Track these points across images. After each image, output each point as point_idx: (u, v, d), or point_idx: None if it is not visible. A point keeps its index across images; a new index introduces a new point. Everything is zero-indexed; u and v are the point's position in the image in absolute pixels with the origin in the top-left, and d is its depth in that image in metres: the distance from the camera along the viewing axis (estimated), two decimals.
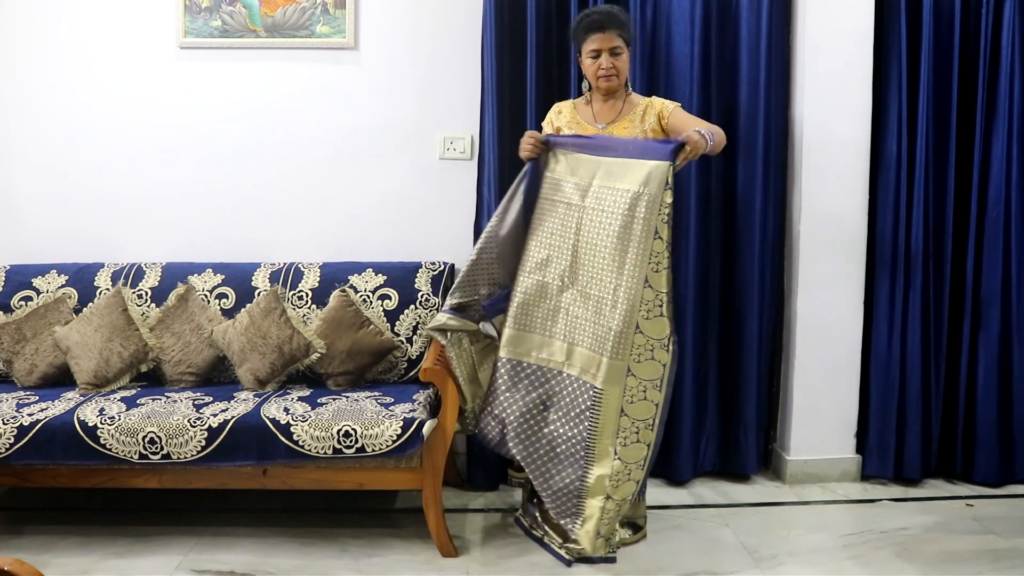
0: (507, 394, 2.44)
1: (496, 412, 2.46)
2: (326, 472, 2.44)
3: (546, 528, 2.52)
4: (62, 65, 3.04)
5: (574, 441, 2.35)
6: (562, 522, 2.41)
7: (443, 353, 2.50)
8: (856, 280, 2.98)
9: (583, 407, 2.33)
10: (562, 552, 2.43)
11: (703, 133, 2.28)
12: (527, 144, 2.42)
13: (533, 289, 2.42)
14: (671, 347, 2.29)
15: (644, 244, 2.24)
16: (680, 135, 2.28)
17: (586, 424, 2.32)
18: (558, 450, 2.39)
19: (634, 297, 2.25)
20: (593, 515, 2.34)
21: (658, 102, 2.54)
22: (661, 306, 2.26)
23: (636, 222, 2.24)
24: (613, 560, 2.42)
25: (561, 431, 2.38)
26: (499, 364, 2.46)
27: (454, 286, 2.50)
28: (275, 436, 2.36)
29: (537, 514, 2.57)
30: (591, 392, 2.31)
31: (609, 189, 2.31)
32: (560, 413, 2.39)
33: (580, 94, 2.61)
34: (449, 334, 2.47)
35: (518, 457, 2.45)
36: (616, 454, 2.31)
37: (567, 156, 2.40)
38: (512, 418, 2.42)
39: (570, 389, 2.37)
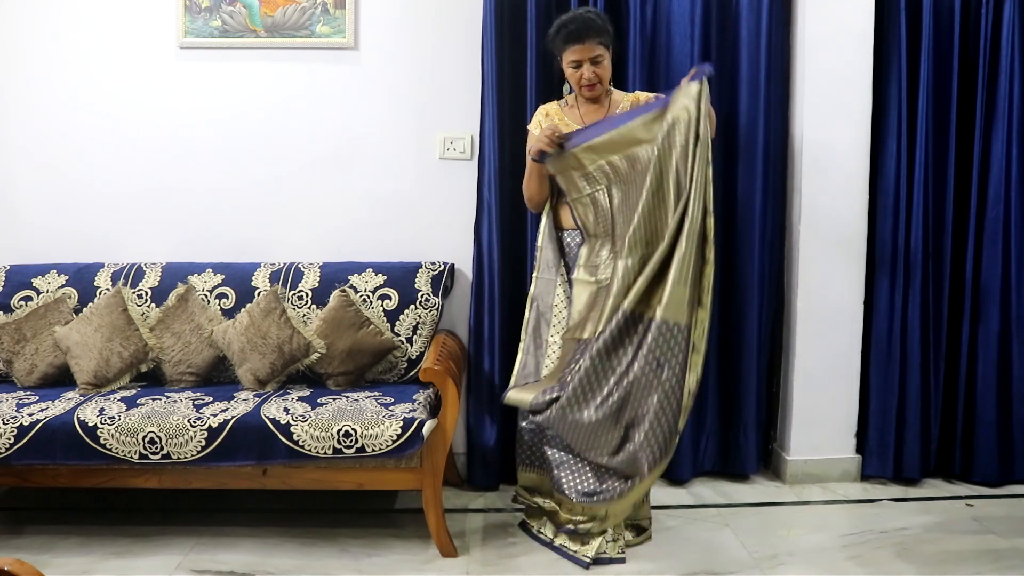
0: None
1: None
2: (326, 472, 2.44)
3: (563, 535, 2.50)
4: (62, 65, 3.04)
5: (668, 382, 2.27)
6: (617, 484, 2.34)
7: (445, 346, 2.48)
8: (856, 279, 2.98)
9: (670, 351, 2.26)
10: (580, 556, 2.42)
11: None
12: (546, 137, 2.41)
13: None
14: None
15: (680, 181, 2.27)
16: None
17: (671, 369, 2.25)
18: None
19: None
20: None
21: (644, 96, 2.57)
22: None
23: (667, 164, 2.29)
24: (623, 561, 2.42)
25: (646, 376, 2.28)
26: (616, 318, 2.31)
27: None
28: (275, 436, 2.35)
29: (552, 522, 2.55)
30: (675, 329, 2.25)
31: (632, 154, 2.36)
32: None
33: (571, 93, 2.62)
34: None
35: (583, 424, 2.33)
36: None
37: (582, 150, 2.41)
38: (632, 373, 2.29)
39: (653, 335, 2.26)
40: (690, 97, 2.26)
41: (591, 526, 2.43)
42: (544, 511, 2.57)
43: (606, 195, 2.43)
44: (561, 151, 2.44)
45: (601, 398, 2.31)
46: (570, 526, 2.47)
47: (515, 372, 2.57)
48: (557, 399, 2.35)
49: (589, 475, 2.41)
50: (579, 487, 2.41)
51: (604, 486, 2.36)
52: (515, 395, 2.50)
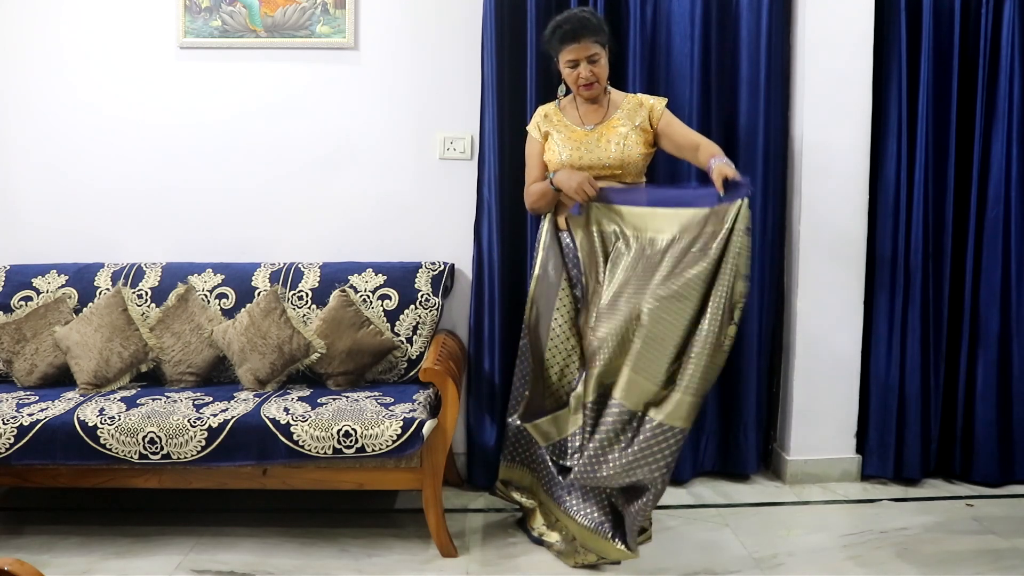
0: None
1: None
2: (326, 472, 2.44)
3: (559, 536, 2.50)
4: (62, 65, 3.04)
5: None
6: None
7: (445, 345, 2.48)
8: (856, 280, 2.98)
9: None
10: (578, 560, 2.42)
11: (726, 162, 2.26)
12: (586, 189, 2.36)
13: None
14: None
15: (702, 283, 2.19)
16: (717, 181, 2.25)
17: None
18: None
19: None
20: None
21: (648, 100, 2.53)
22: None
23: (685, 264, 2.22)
24: (619, 561, 2.42)
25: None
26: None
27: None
28: (275, 436, 2.36)
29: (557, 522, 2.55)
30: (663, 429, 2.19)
31: (654, 239, 2.32)
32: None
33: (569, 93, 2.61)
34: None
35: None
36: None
37: (611, 209, 2.40)
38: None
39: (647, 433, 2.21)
40: (729, 219, 2.19)
41: (556, 541, 2.44)
42: (522, 508, 2.58)
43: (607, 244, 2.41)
44: (590, 204, 2.42)
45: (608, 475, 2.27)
46: (535, 533, 2.49)
47: (516, 372, 2.57)
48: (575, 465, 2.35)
49: (592, 495, 2.41)
50: (580, 502, 2.42)
51: (603, 516, 2.38)
52: (535, 432, 2.45)
